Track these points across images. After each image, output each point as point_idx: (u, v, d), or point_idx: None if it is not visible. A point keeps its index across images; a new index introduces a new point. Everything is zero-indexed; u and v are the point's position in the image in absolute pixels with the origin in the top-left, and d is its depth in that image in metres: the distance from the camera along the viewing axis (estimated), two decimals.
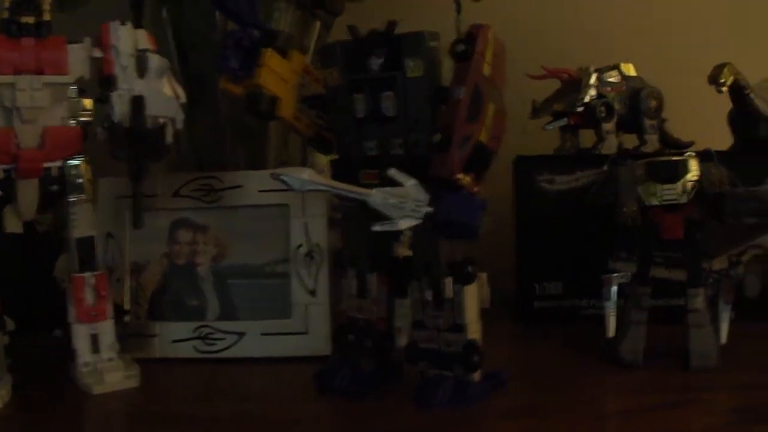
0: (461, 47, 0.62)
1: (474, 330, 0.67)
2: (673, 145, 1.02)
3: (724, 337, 0.76)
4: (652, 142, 0.96)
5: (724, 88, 0.89)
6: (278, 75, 0.67)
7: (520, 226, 0.95)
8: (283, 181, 0.62)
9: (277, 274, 0.83)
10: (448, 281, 0.66)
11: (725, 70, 0.89)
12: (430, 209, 0.60)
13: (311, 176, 0.62)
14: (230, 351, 0.82)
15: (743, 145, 0.95)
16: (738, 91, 0.91)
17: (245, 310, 0.84)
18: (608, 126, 0.94)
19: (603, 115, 0.94)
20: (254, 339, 0.82)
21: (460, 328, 0.66)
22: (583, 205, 0.85)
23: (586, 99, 0.93)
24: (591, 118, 0.94)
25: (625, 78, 0.96)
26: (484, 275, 0.70)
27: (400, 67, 0.64)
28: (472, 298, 0.67)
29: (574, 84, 0.94)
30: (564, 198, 0.91)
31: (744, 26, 1.19)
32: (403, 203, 0.60)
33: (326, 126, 0.71)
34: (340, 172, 0.68)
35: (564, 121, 0.94)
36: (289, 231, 0.82)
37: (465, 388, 0.66)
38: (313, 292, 0.82)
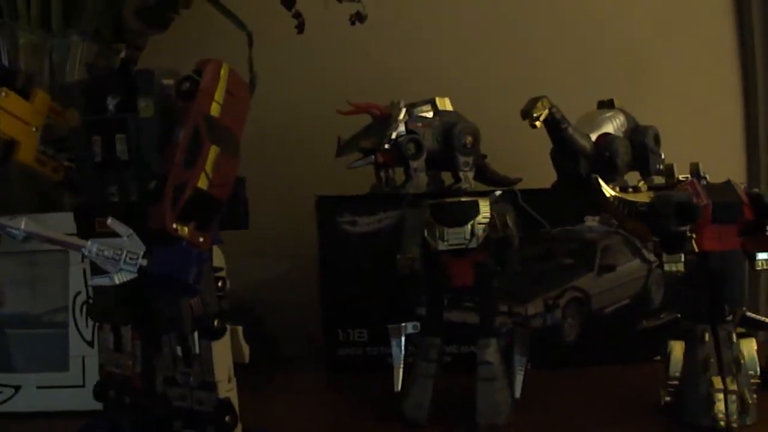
0: (186, 85, 0.58)
1: (226, 388, 0.63)
2: (499, 182, 0.99)
3: (518, 390, 0.73)
4: (467, 179, 0.91)
5: (538, 123, 0.86)
6: (16, 117, 0.62)
7: (324, 270, 0.91)
8: (3, 229, 0.57)
9: (55, 324, 0.78)
10: (194, 336, 0.61)
11: (539, 103, 0.85)
12: (144, 262, 0.56)
13: (27, 225, 0.57)
14: (5, 405, 0.77)
15: (565, 182, 0.92)
16: (554, 126, 0.87)
17: (22, 361, 0.79)
18: (416, 164, 0.90)
19: (411, 152, 0.90)
20: (31, 392, 0.77)
21: (210, 386, 0.62)
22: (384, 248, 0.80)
23: (394, 135, 0.89)
24: (400, 155, 0.90)
25: (438, 113, 0.92)
26: (239, 329, 0.66)
27: (135, 107, 0.60)
28: (222, 354, 0.63)
29: (385, 119, 0.90)
30: (368, 240, 0.88)
31: (570, 59, 1.19)
32: (118, 255, 0.56)
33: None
34: (80, 219, 0.64)
35: (371, 160, 0.90)
36: (68, 278, 0.77)
37: None
38: (91, 343, 0.77)
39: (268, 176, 1.03)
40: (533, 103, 0.86)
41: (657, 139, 0.93)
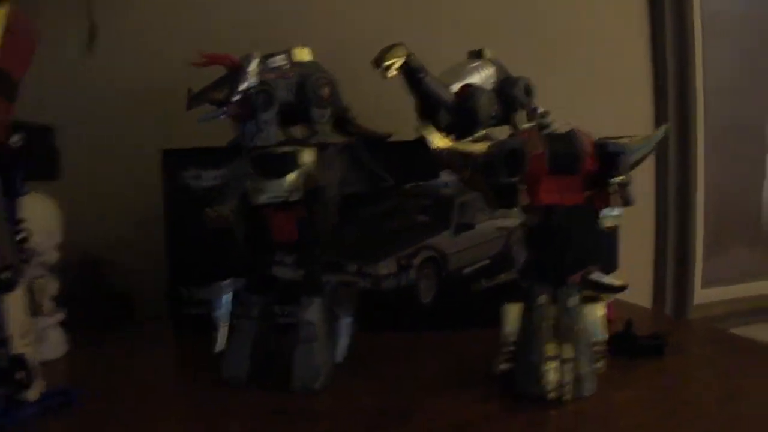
0: None
1: (21, 344, 0.59)
2: (365, 135, 0.93)
3: (341, 354, 0.68)
4: (324, 132, 0.85)
5: (392, 72, 0.80)
6: None
7: (169, 227, 0.86)
8: None
9: None
10: None
11: (393, 50, 0.80)
12: None
13: None
14: None
15: None
16: (411, 76, 0.82)
17: None
18: (266, 116, 0.83)
19: (261, 104, 0.83)
20: None
21: (3, 342, 0.59)
22: None
23: (244, 86, 0.83)
24: (252, 107, 0.83)
25: (294, 64, 0.85)
26: (42, 281, 0.62)
27: None
28: (17, 308, 0.59)
29: (237, 71, 0.84)
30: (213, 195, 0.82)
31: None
32: None
33: None
34: None
35: (222, 112, 0.84)
36: None
37: (16, 405, 0.59)
38: None
39: (118, 129, 0.99)
40: (387, 50, 0.80)
41: (528, 91, 0.88)
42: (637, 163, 0.68)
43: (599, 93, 1.28)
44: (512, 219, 0.81)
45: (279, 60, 0.86)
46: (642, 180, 1.35)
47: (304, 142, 0.72)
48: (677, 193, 1.33)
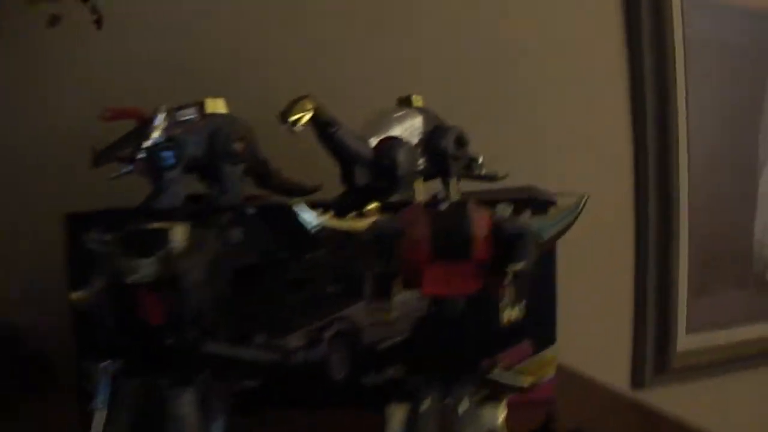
0: None
1: None
2: (292, 190, 0.86)
3: None
4: (235, 191, 0.78)
5: (299, 128, 0.73)
6: None
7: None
8: None
9: None
10: None
11: (299, 104, 0.72)
12: None
13: None
14: None
15: (347, 194, 0.78)
16: (321, 130, 0.74)
17: None
18: (171, 174, 0.77)
19: (164, 162, 0.77)
20: None
21: None
22: None
23: (147, 144, 0.76)
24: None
25: (205, 116, 0.78)
26: None
27: None
28: None
29: (145, 125, 0.78)
30: None
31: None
32: None
33: None
34: None
35: (128, 170, 0.78)
36: None
37: None
38: None
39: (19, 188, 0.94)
40: (293, 103, 0.73)
41: (461, 142, 0.80)
42: (551, 241, 0.60)
43: (575, 133, 1.20)
44: None
45: (189, 113, 0.79)
46: (620, 211, 1.26)
47: (187, 216, 0.65)
48: (658, 230, 1.25)
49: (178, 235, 0.62)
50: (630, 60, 1.24)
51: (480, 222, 0.56)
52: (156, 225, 0.62)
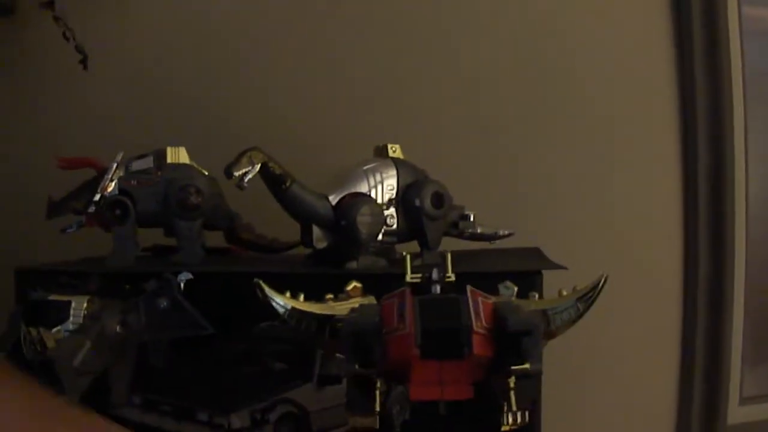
0: None
1: None
2: (263, 247, 0.79)
3: None
4: (192, 248, 0.72)
5: (244, 185, 0.65)
6: None
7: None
8: None
9: None
10: None
11: (244, 158, 0.65)
12: None
13: None
14: None
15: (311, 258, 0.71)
16: (271, 187, 0.67)
17: None
18: (121, 230, 0.71)
19: (115, 217, 0.71)
20: None
21: None
22: None
23: (97, 197, 0.71)
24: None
25: (163, 167, 0.72)
26: None
27: None
28: None
29: (100, 176, 0.73)
30: None
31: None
32: None
33: None
34: None
35: (81, 223, 0.73)
36: None
37: None
38: None
39: None
40: (239, 157, 0.66)
41: (439, 200, 0.71)
42: (563, 329, 0.50)
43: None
44: None
45: (144, 163, 0.74)
46: (666, 268, 1.13)
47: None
48: (710, 285, 1.10)
49: (79, 306, 0.56)
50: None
51: (479, 313, 0.47)
52: (55, 296, 0.56)
